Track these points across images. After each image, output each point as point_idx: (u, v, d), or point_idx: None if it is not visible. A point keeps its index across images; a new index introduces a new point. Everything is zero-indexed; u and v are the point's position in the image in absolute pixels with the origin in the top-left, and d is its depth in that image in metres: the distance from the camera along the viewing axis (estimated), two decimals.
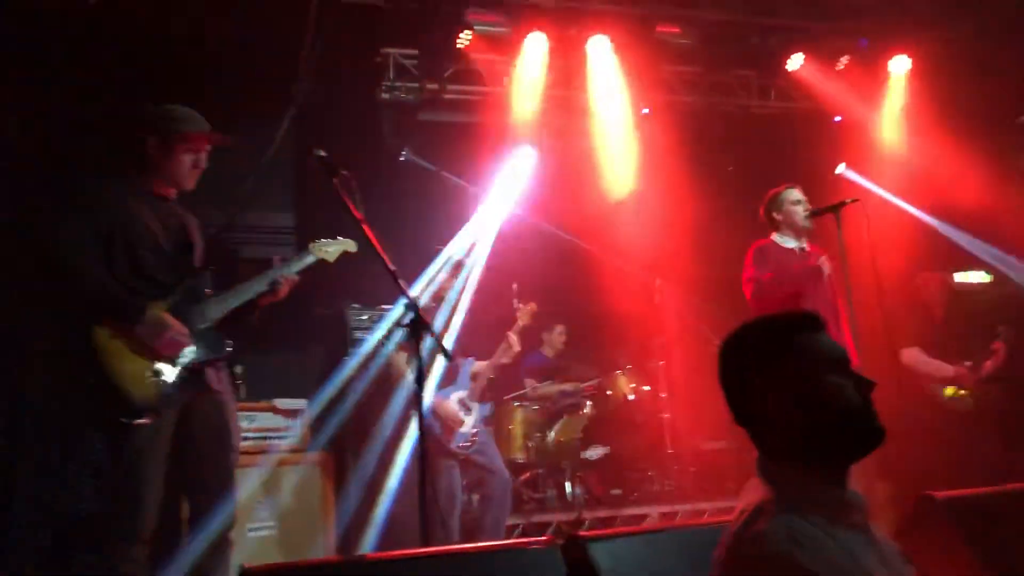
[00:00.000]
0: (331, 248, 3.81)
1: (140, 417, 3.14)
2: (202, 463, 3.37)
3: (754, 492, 1.70)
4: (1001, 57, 6.33)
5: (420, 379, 2.87)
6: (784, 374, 1.70)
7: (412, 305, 2.95)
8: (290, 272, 3.61)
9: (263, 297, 3.55)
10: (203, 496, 3.37)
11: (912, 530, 3.37)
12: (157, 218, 3.42)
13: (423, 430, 2.85)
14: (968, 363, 5.69)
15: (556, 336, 7.20)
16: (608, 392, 6.79)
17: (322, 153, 3.16)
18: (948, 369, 5.64)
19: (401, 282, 3.01)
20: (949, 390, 5.66)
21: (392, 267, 3.02)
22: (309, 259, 3.73)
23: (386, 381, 5.09)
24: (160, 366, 3.21)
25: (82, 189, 3.38)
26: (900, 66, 6.97)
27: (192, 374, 3.32)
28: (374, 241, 3.06)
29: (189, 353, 3.29)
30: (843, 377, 1.71)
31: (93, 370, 3.11)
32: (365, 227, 3.08)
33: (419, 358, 2.89)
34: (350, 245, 3.86)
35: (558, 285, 6.92)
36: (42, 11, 4.70)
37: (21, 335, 4.26)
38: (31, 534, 4.30)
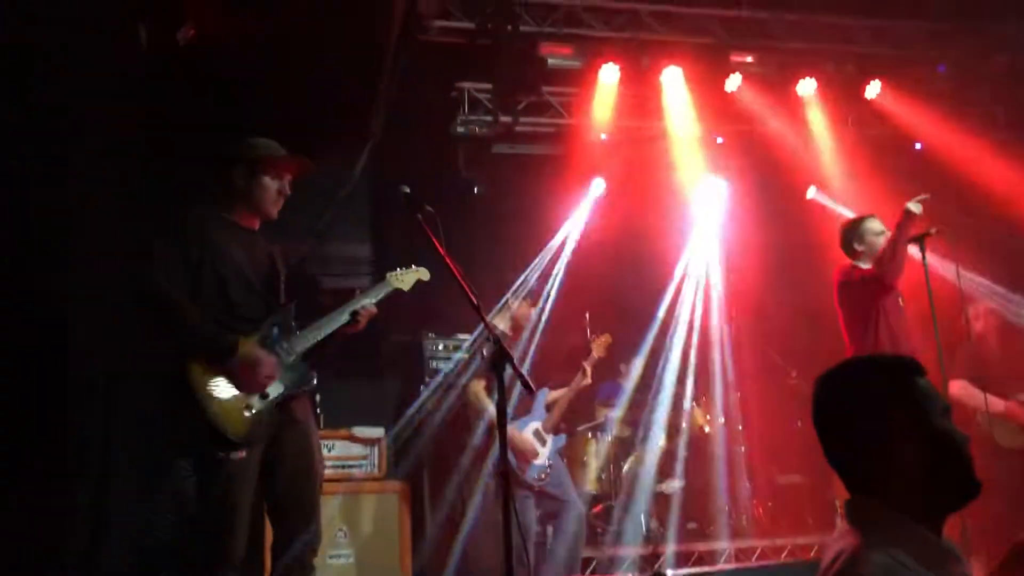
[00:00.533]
0: (407, 277, 3.85)
1: (236, 450, 3.22)
2: (289, 491, 3.42)
3: (849, 537, 1.67)
4: None
5: (502, 411, 2.87)
6: (900, 417, 1.69)
7: (494, 337, 2.97)
8: (369, 303, 3.65)
9: (344, 328, 3.60)
10: (289, 523, 3.42)
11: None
12: (243, 249, 3.50)
13: (506, 461, 2.84)
14: (1022, 396, 5.34)
15: (634, 368, 7.15)
16: (683, 424, 6.71)
17: (407, 189, 3.20)
18: (999, 404, 5.23)
19: (484, 315, 3.03)
20: (1001, 426, 5.33)
21: (476, 300, 3.04)
22: (387, 289, 3.77)
23: (464, 411, 5.12)
24: (253, 401, 3.28)
25: (172, 222, 3.47)
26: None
27: (281, 406, 3.39)
28: (458, 275, 3.08)
29: (279, 386, 3.36)
30: (950, 424, 1.71)
31: (188, 403, 3.19)
32: (449, 261, 3.11)
33: (501, 390, 2.90)
34: (424, 274, 3.88)
35: (631, 313, 6.88)
36: (132, 47, 4.86)
37: (117, 366, 4.39)
38: (119, 560, 4.42)
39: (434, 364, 5.82)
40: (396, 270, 3.85)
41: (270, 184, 3.53)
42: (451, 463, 5.13)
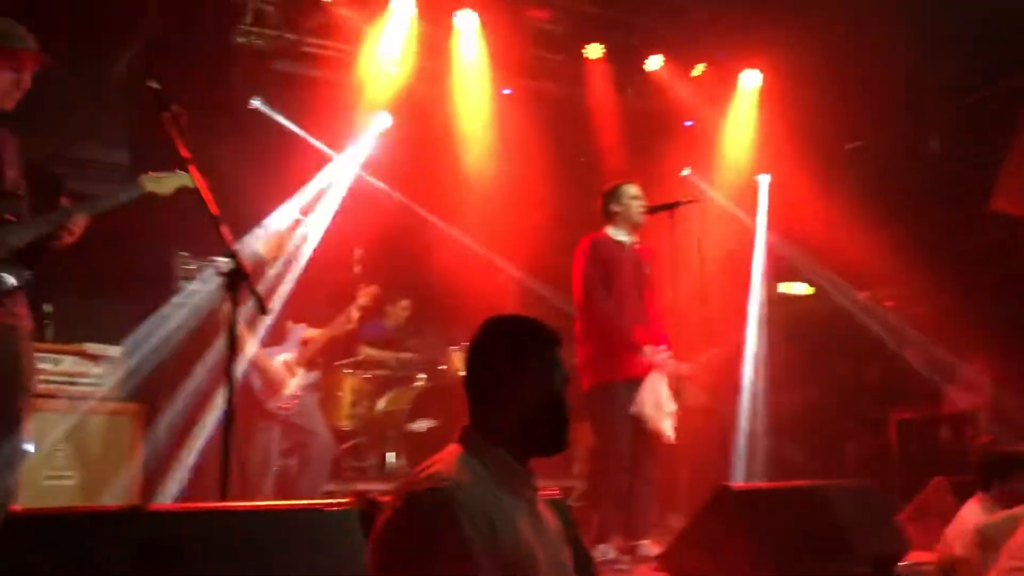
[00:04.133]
0: (167, 181, 3.47)
1: None
2: None
3: (450, 449, 1.98)
4: (838, 86, 6.72)
5: (232, 331, 2.77)
6: (528, 372, 2.00)
7: (233, 253, 2.84)
8: (112, 204, 3.35)
9: (55, 239, 3.27)
10: None
11: (708, 515, 3.60)
12: None
13: (231, 384, 2.76)
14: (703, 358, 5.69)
15: (400, 310, 7.14)
16: (441, 367, 6.81)
17: (154, 84, 2.99)
18: (683, 367, 5.32)
19: (223, 229, 2.89)
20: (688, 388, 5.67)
21: (216, 213, 2.89)
22: (135, 192, 3.45)
23: (207, 331, 4.91)
24: None
25: None
26: (751, 80, 7.29)
27: None
28: (200, 184, 2.93)
29: None
30: (563, 390, 2.03)
31: None
32: (192, 168, 2.94)
33: (234, 309, 2.79)
34: (187, 180, 3.39)
35: (402, 256, 6.86)
36: None
37: None
38: None
39: (184, 284, 5.53)
40: (153, 173, 3.49)
41: (3, 74, 3.20)
42: (187, 384, 4.91)
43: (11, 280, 3.17)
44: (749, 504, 3.62)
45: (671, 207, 4.77)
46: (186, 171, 3.03)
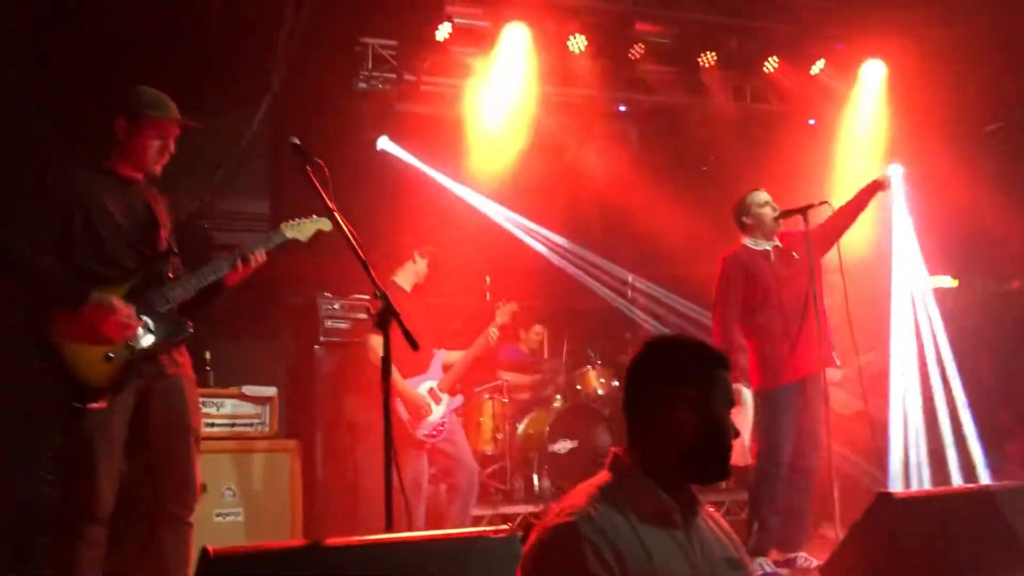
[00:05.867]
0: (305, 227, 3.71)
1: (93, 401, 3.14)
2: (160, 447, 3.36)
3: (597, 479, 1.95)
4: (973, 67, 6.42)
5: (387, 367, 2.89)
6: (687, 395, 1.93)
7: (381, 293, 2.97)
8: (256, 250, 3.54)
9: (229, 276, 3.50)
10: (162, 479, 3.37)
11: (869, 525, 3.47)
12: (122, 201, 3.39)
13: (389, 417, 2.87)
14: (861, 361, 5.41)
15: (534, 335, 7.26)
16: (578, 387, 6.85)
17: (295, 141, 3.14)
18: (835, 373, 5.22)
19: (372, 271, 3.02)
20: (838, 394, 5.49)
21: (363, 256, 3.02)
22: (279, 239, 3.66)
23: (357, 368, 5.10)
24: (117, 349, 3.20)
25: (40, 174, 3.35)
26: (875, 71, 7.05)
27: (150, 357, 3.31)
28: (347, 230, 3.06)
29: (146, 336, 3.28)
30: (726, 415, 1.96)
31: (46, 356, 3.11)
32: (338, 216, 3.08)
33: (387, 346, 2.91)
34: (325, 224, 3.70)
35: (533, 279, 6.95)
36: None
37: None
38: None
39: (329, 324, 5.78)
40: (292, 220, 3.72)
41: (151, 142, 3.42)
42: (343, 420, 5.12)
43: (184, 332, 3.40)
44: (912, 511, 3.47)
45: (804, 210, 4.67)
46: (330, 218, 3.17)
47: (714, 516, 2.06)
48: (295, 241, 3.72)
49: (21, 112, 4.80)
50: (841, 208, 4.79)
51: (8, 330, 4.31)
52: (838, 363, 5.02)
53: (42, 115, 4.95)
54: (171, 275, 3.43)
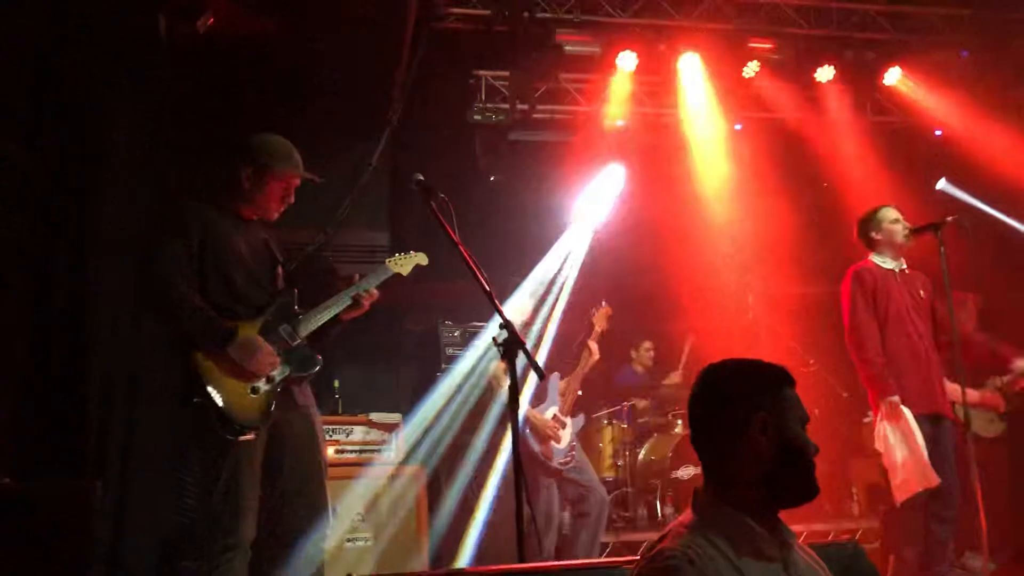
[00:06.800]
0: (405, 262, 3.89)
1: (243, 434, 3.29)
2: (293, 477, 3.48)
3: (684, 518, 1.89)
4: None
5: (514, 396, 2.92)
6: (759, 419, 1.85)
7: (507, 324, 3.01)
8: (369, 287, 3.68)
9: (346, 312, 3.64)
10: (296, 508, 3.48)
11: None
12: (245, 240, 3.55)
13: (517, 444, 2.89)
14: (998, 382, 5.19)
15: (644, 352, 7.18)
16: None
17: (420, 177, 3.24)
18: (974, 394, 5.03)
19: (497, 302, 3.07)
20: (979, 416, 5.17)
21: (488, 288, 3.08)
22: (385, 274, 3.81)
23: (484, 396, 5.15)
24: (259, 383, 3.35)
25: (174, 213, 3.51)
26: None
27: (284, 391, 3.45)
28: (471, 263, 3.13)
29: (284, 369, 3.42)
30: (803, 433, 1.89)
31: (197, 391, 3.26)
32: (462, 249, 3.15)
33: (514, 377, 2.94)
34: (422, 259, 3.93)
35: (648, 301, 6.91)
36: (147, 34, 4.89)
37: (136, 362, 4.44)
38: (142, 554, 4.49)
39: (450, 351, 5.88)
40: (395, 256, 3.90)
41: (274, 192, 3.57)
42: (469, 448, 5.17)
43: (316, 364, 3.53)
44: None
45: (937, 227, 4.46)
46: (457, 251, 3.24)
47: (806, 549, 1.98)
48: (399, 276, 3.87)
49: (161, 149, 5.05)
50: (972, 344, 4.65)
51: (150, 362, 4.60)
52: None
53: (176, 158, 5.21)
54: (297, 311, 3.56)
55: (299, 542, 3.49)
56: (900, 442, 4.33)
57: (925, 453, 4.29)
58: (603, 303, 5.46)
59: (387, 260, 3.87)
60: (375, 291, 3.69)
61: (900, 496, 4.36)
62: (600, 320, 5.41)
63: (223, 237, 3.46)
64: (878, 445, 4.47)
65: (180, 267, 3.33)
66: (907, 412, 4.36)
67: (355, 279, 3.74)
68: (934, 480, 4.27)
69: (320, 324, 3.57)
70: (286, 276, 3.71)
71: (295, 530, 3.48)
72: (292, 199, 3.63)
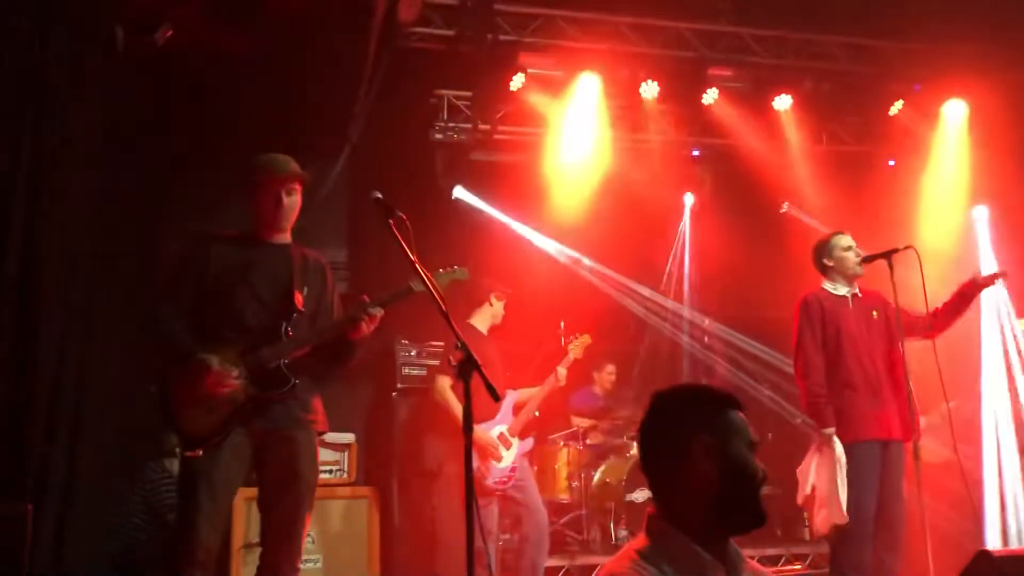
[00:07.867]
0: (441, 278, 3.77)
1: (191, 450, 3.31)
2: (270, 499, 3.48)
3: (636, 543, 1.87)
4: None
5: (468, 418, 2.89)
6: (701, 443, 1.84)
7: (462, 345, 2.99)
8: (373, 309, 3.59)
9: (352, 331, 3.59)
10: (270, 531, 3.47)
11: None
12: (263, 264, 3.56)
13: (471, 466, 2.86)
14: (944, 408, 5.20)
15: (606, 375, 7.18)
16: None
17: (379, 195, 3.21)
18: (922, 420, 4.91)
19: (452, 323, 3.04)
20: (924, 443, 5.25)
21: (444, 306, 3.06)
22: (404, 293, 3.66)
23: (433, 414, 5.11)
24: (212, 404, 3.35)
25: (189, 249, 3.60)
26: (956, 111, 6.91)
27: (263, 413, 3.44)
28: (429, 282, 3.11)
29: (244, 391, 3.40)
30: (751, 457, 1.87)
31: (163, 407, 3.33)
32: (419, 266, 3.13)
33: (467, 397, 2.92)
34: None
35: (607, 323, 6.93)
36: (108, 49, 4.84)
37: (82, 374, 4.38)
38: (91, 561, 4.41)
39: (406, 371, 5.83)
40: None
41: (265, 203, 3.59)
42: (420, 468, 5.12)
43: (283, 385, 3.49)
44: (1014, 571, 3.31)
45: (888, 255, 4.53)
46: (411, 270, 3.21)
47: (758, 570, 1.98)
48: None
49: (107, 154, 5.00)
50: (937, 310, 4.61)
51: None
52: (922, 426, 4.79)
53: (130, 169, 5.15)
54: (290, 333, 3.52)
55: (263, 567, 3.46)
56: (826, 475, 4.40)
57: (844, 489, 4.33)
58: (582, 333, 5.46)
59: (411, 281, 3.60)
60: (378, 311, 3.61)
61: (822, 528, 4.42)
62: (577, 349, 5.40)
63: (237, 267, 3.52)
64: (800, 471, 4.54)
65: (176, 300, 3.49)
66: (838, 447, 4.39)
67: (362, 299, 3.65)
68: (843, 518, 4.32)
69: (313, 345, 3.54)
70: (314, 298, 3.66)
71: (268, 556, 3.44)
72: (292, 203, 3.63)
